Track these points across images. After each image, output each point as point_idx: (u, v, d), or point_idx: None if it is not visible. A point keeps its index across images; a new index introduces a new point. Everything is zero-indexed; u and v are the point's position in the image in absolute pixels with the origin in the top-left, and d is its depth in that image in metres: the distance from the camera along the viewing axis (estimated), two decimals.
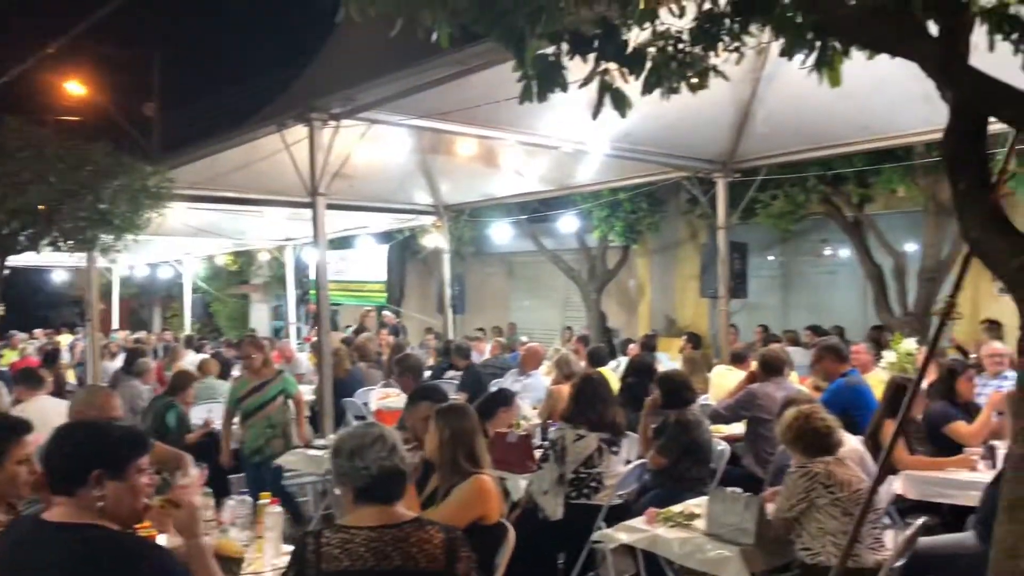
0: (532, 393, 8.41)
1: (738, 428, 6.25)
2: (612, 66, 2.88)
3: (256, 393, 6.84)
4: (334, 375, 8.63)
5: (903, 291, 11.31)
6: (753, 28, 2.82)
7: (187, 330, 19.06)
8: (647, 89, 2.85)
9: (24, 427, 3.04)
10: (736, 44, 2.87)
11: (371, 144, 8.43)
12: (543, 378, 9.03)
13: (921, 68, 2.29)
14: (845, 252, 13.81)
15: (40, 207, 7.37)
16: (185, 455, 3.90)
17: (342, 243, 16.39)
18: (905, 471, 4.84)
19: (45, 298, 30.01)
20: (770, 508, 3.80)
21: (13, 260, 8.67)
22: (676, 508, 4.18)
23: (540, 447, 5.63)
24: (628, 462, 5.15)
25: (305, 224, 14.08)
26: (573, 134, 8.36)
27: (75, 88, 20.78)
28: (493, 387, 9.38)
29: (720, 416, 5.94)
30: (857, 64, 2.76)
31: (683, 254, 15.57)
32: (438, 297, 14.06)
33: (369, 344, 11.36)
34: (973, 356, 9.59)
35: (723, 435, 5.99)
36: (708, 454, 5.25)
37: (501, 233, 15.30)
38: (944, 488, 4.72)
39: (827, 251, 14.18)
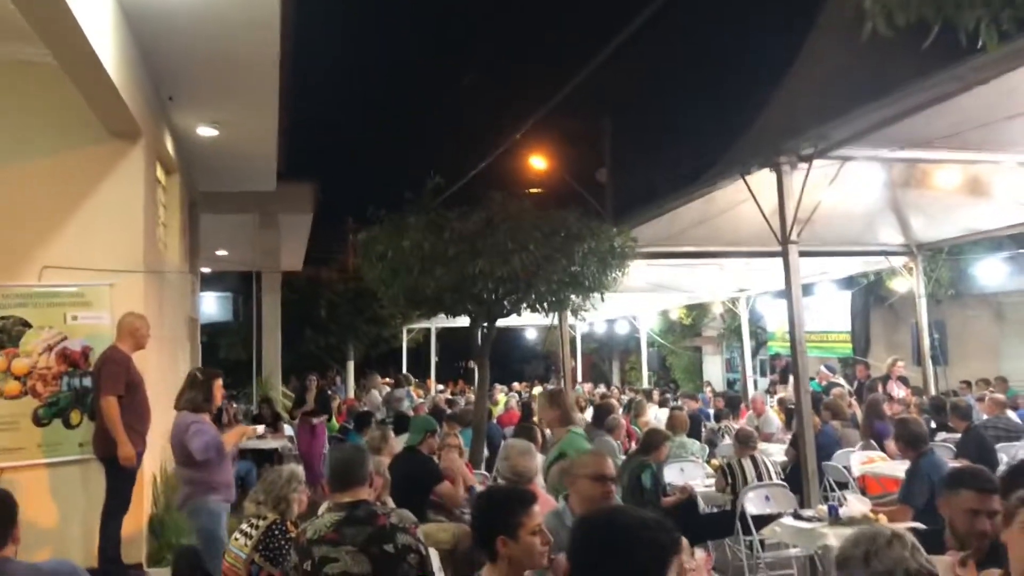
0: None
1: None
2: None
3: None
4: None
5: None
6: None
7: (645, 383, 19.58)
8: None
9: (532, 498, 3.07)
10: None
11: (835, 183, 7.77)
12: None
13: None
14: None
15: (521, 273, 7.90)
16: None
17: (800, 292, 15.60)
18: None
19: (518, 354, 33.27)
20: None
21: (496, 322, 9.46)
22: None
23: None
24: None
25: (759, 274, 13.79)
26: None
27: (537, 163, 22.85)
28: (1000, 453, 8.00)
29: None
30: None
31: None
32: (914, 347, 12.60)
33: (841, 401, 10.43)
34: None
35: None
36: None
37: (988, 271, 13.31)
38: None
39: None
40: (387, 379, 20.87)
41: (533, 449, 4.59)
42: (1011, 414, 9.74)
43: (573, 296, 8.77)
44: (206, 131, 9.24)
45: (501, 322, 9.22)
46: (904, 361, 11.71)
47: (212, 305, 17.80)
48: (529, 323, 20.70)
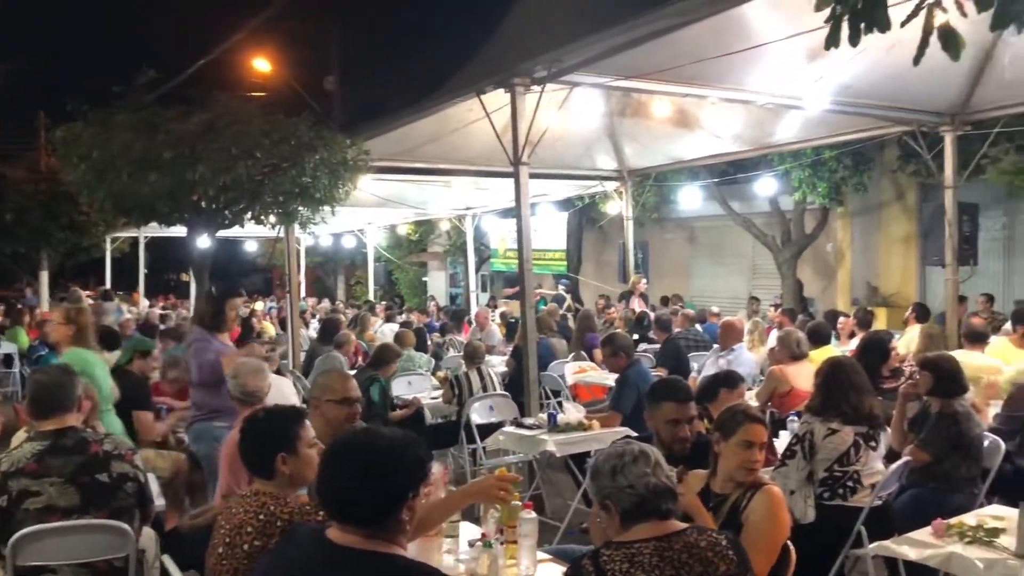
0: (739, 370, 7.86)
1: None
2: None
3: None
4: (518, 346, 8.39)
5: None
6: None
7: (371, 297, 19.57)
8: (997, 24, 2.29)
9: (305, 412, 3.13)
10: None
11: (560, 108, 8.07)
12: (748, 353, 8.46)
13: None
14: None
15: (246, 182, 7.46)
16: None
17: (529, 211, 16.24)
18: None
19: (237, 267, 31.78)
20: None
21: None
22: (968, 520, 3.59)
23: None
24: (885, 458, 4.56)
25: (485, 193, 14.13)
26: (786, 88, 7.66)
27: (262, 65, 21.50)
28: (692, 363, 8.93)
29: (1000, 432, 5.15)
30: None
31: (888, 216, 14.34)
32: (618, 265, 13.63)
33: (549, 316, 11.07)
34: None
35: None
36: (980, 450, 4.59)
37: (686, 198, 14.62)
38: None
39: None
40: (88, 291, 19.12)
41: (265, 367, 4.40)
42: (699, 327, 10.91)
43: (302, 208, 8.46)
44: None
45: (220, 233, 8.71)
46: (646, 279, 12.67)
47: None
48: (249, 234, 19.76)
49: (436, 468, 3.35)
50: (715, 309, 12.12)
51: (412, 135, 9.24)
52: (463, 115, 8.36)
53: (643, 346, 10.11)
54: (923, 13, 2.38)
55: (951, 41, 2.39)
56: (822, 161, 12.60)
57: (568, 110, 8.41)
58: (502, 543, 2.96)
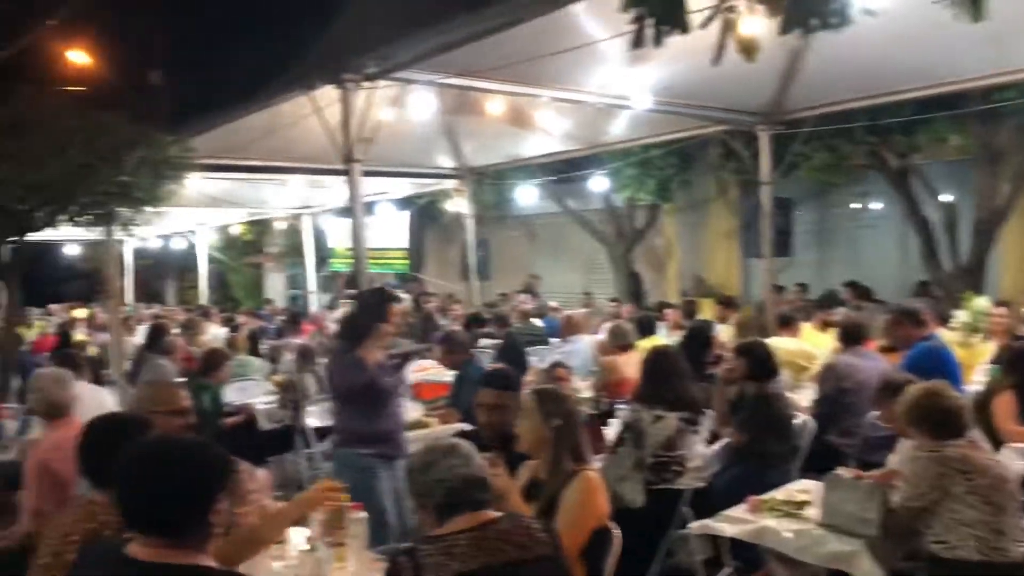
0: (577, 360, 8.11)
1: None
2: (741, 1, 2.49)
3: None
4: None
5: (954, 244, 10.85)
6: None
7: (203, 301, 18.78)
8: (787, 28, 2.45)
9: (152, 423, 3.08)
10: None
11: (395, 106, 8.02)
12: (585, 345, 8.71)
13: None
14: (880, 205, 13.39)
15: (59, 182, 6.99)
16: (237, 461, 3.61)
17: (363, 210, 16.00)
18: (1015, 444, 4.49)
19: (57, 272, 29.68)
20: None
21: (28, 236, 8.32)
22: (779, 495, 3.83)
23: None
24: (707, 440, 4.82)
25: (323, 191, 13.84)
26: (615, 88, 7.92)
27: (79, 57, 20.18)
28: (533, 357, 9.10)
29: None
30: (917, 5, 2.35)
31: (713, 211, 15.09)
32: (460, 263, 13.69)
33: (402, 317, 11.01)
34: None
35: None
36: (790, 429, 4.91)
37: (524, 195, 14.85)
38: None
39: (868, 204, 13.68)
40: None
41: (69, 377, 4.12)
42: (536, 321, 11.14)
43: (121, 209, 8.01)
44: None
45: (31, 236, 8.13)
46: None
47: None
48: (70, 237, 18.50)
49: (261, 474, 3.27)
50: (554, 303, 12.39)
51: (242, 131, 8.93)
52: (296, 111, 8.14)
53: (484, 342, 10.21)
54: (721, 17, 2.51)
55: (746, 45, 2.53)
56: (650, 159, 13.11)
57: (404, 107, 8.35)
58: (331, 546, 2.90)
